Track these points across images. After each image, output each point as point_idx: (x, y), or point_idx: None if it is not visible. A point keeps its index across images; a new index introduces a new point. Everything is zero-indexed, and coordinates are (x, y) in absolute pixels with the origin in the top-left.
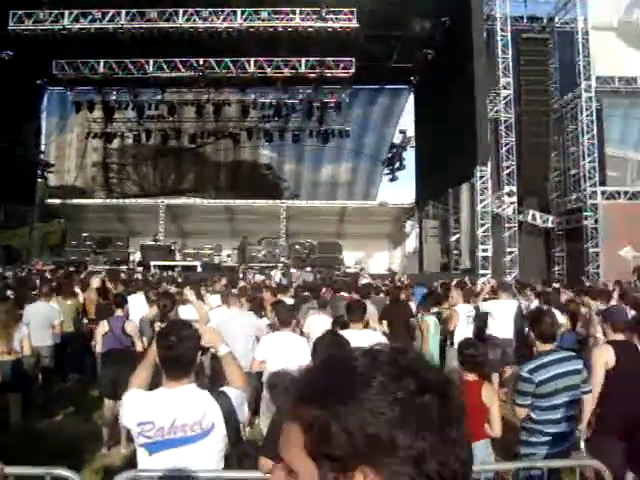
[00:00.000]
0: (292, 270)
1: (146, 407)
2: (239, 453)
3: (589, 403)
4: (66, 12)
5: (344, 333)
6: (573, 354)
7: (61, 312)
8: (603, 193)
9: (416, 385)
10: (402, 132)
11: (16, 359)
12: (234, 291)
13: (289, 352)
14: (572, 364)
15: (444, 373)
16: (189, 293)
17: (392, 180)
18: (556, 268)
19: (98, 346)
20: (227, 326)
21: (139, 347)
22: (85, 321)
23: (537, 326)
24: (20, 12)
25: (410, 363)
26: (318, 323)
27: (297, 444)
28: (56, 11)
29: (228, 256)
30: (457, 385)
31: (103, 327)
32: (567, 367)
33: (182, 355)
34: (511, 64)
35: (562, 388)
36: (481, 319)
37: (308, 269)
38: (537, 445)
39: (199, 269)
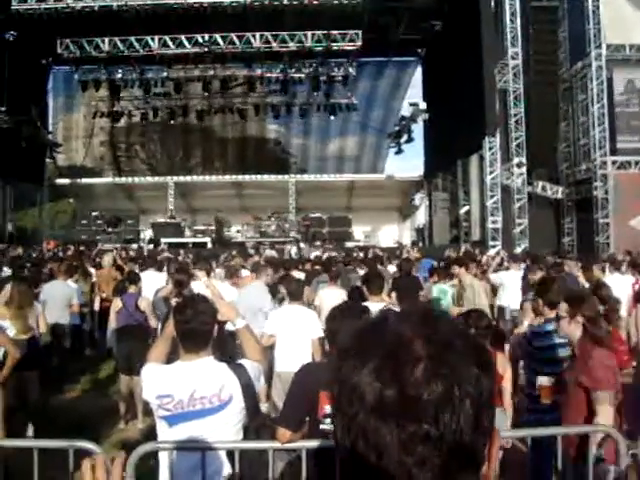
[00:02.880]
0: (302, 244)
1: (165, 380)
2: (257, 424)
3: None
4: None
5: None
6: None
7: (79, 291)
8: (613, 163)
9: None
10: (413, 104)
11: (32, 337)
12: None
13: (299, 326)
14: None
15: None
16: (200, 274)
17: (398, 153)
18: (566, 239)
19: (112, 322)
20: (244, 300)
21: (153, 323)
22: (98, 299)
23: (545, 293)
24: None
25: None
26: (329, 296)
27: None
28: None
29: (238, 232)
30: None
31: (116, 304)
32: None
33: (198, 328)
34: (520, 33)
35: (565, 357)
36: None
37: (318, 243)
38: (536, 412)
39: (209, 245)
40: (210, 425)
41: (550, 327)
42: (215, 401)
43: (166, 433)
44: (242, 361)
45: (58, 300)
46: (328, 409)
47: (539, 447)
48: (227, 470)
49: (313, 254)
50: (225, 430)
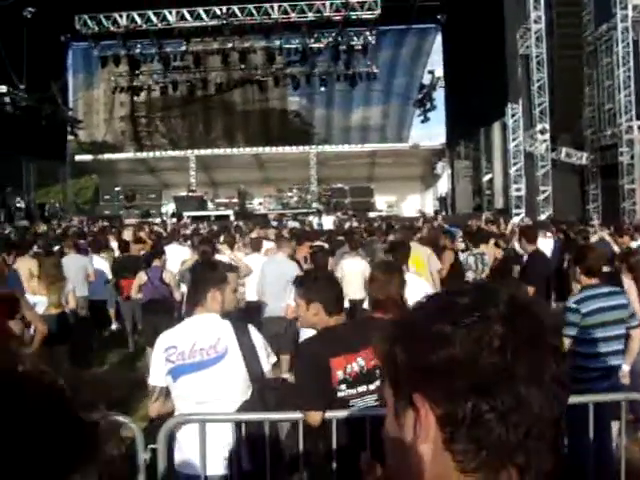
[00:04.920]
0: (324, 215)
1: (172, 334)
2: (261, 386)
3: (637, 338)
4: None
5: None
6: (619, 289)
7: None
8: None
9: (479, 315)
10: (430, 72)
11: (62, 312)
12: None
13: None
14: (618, 298)
15: (516, 304)
16: (223, 248)
17: (424, 121)
18: (591, 205)
19: (134, 294)
20: (267, 269)
21: (177, 296)
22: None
23: (583, 261)
24: None
25: (475, 297)
26: (352, 266)
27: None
28: None
29: (260, 204)
30: (533, 316)
31: (141, 278)
32: (613, 301)
33: (199, 280)
34: None
35: (608, 321)
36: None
37: (339, 213)
38: (582, 382)
39: (232, 218)
40: (210, 378)
41: (592, 292)
42: (212, 352)
43: (173, 389)
44: (250, 326)
45: (73, 272)
46: (341, 375)
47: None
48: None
49: (326, 219)
50: (225, 385)
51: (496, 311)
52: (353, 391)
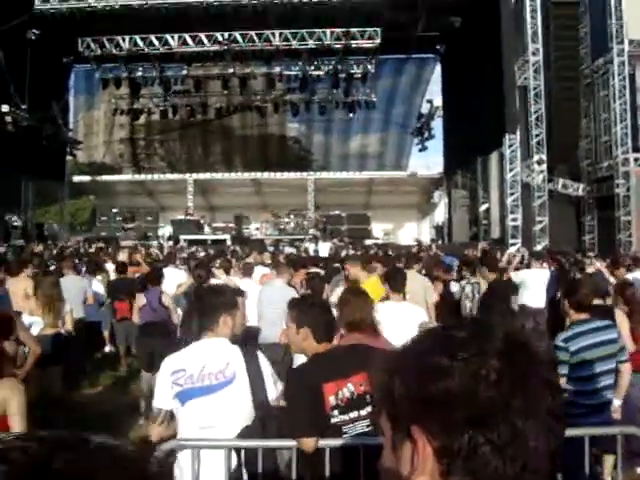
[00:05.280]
0: (320, 242)
1: (181, 357)
2: (263, 414)
3: (626, 373)
4: None
5: (383, 305)
6: (608, 323)
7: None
8: (636, 160)
9: (477, 350)
10: (429, 102)
11: (57, 333)
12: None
13: None
14: (608, 333)
15: (512, 339)
16: (218, 272)
17: (422, 150)
18: (587, 237)
19: (135, 318)
20: (265, 295)
21: (175, 319)
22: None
23: (573, 295)
24: None
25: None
26: None
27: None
28: None
29: (257, 229)
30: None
31: (140, 300)
32: (603, 336)
33: (206, 307)
34: (540, 29)
35: (598, 358)
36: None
37: (335, 240)
38: (573, 416)
39: (228, 242)
40: (217, 403)
41: (581, 328)
42: (220, 377)
43: (179, 413)
44: (259, 353)
45: (72, 294)
46: (333, 400)
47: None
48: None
49: (323, 246)
50: (232, 410)
51: (493, 346)
52: (345, 417)
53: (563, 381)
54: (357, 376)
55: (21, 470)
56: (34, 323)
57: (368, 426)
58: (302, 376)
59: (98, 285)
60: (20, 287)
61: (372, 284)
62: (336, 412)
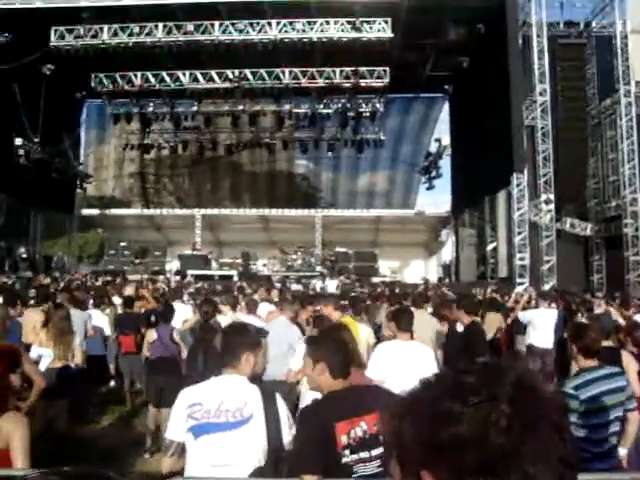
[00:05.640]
0: (328, 279)
1: (198, 391)
2: (276, 457)
3: (634, 421)
4: (105, 27)
5: (390, 344)
6: (617, 370)
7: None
8: None
9: (487, 395)
10: (437, 140)
11: (66, 365)
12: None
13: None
14: (617, 381)
15: (523, 384)
16: (225, 309)
17: (429, 188)
18: (595, 276)
19: (146, 352)
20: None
21: (184, 355)
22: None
23: (580, 340)
24: (61, 28)
25: (482, 376)
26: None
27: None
28: (96, 26)
29: (264, 265)
30: (540, 396)
31: (151, 335)
32: (613, 384)
33: (230, 344)
34: (547, 70)
35: (607, 406)
36: (520, 329)
37: (342, 278)
38: (584, 462)
39: (235, 278)
40: (231, 440)
41: (591, 375)
42: (238, 415)
43: (191, 447)
44: (277, 395)
45: (77, 327)
46: (345, 440)
47: None
48: None
49: (330, 283)
50: (246, 450)
51: (503, 391)
52: (356, 456)
53: (571, 429)
54: (371, 415)
55: None
56: (44, 355)
57: (379, 467)
58: (314, 415)
59: (104, 318)
60: (31, 320)
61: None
62: (347, 452)
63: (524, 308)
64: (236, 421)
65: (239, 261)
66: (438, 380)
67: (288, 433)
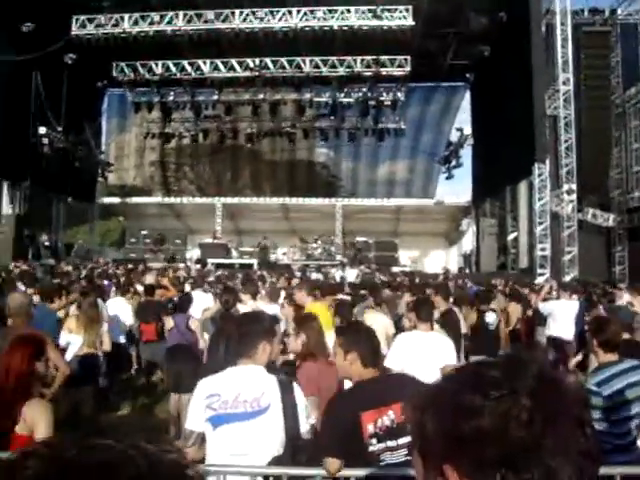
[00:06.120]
0: (348, 268)
1: (216, 381)
2: (294, 447)
3: None
4: (126, 16)
5: (410, 335)
6: (637, 363)
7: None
8: None
9: (508, 389)
10: (459, 130)
11: (93, 353)
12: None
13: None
14: (638, 374)
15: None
16: (245, 297)
17: (448, 178)
18: (617, 268)
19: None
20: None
21: (201, 344)
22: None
23: (601, 334)
24: (82, 17)
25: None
26: (374, 321)
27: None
28: (116, 15)
29: (284, 254)
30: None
31: (169, 323)
32: (633, 377)
33: (245, 333)
34: (571, 59)
35: (629, 400)
36: (541, 320)
37: (363, 267)
38: (604, 454)
39: (255, 267)
40: (249, 430)
41: (612, 370)
42: (255, 405)
43: (210, 437)
44: (295, 385)
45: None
46: (372, 428)
47: None
48: None
49: (350, 272)
50: (264, 439)
51: (524, 384)
52: (383, 445)
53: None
54: (399, 404)
55: (46, 463)
56: (72, 342)
57: (406, 455)
58: (340, 404)
59: (128, 307)
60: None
61: (317, 311)
62: (374, 440)
63: (545, 299)
64: (254, 411)
65: (259, 250)
66: (460, 373)
67: (305, 422)
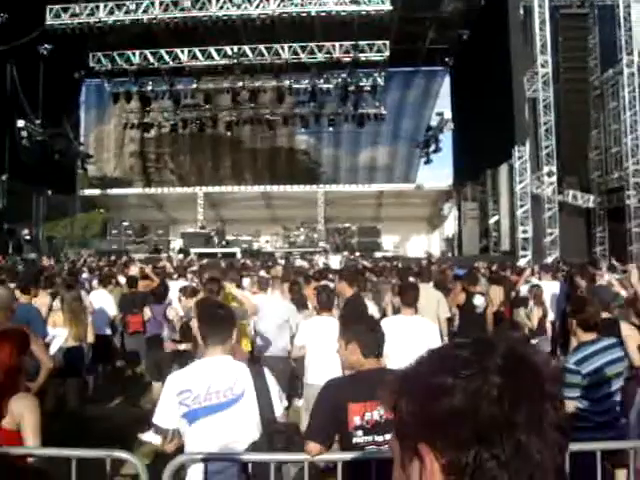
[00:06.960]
0: (331, 255)
1: (185, 377)
2: (270, 430)
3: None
4: (101, 4)
5: (394, 319)
6: (615, 341)
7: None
8: None
9: (478, 367)
10: (439, 114)
11: (79, 346)
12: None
13: (329, 337)
14: (616, 352)
15: (513, 354)
16: (230, 286)
17: (427, 163)
18: (598, 249)
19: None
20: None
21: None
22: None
23: (579, 314)
24: (57, 7)
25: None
26: None
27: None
28: (91, 4)
29: (267, 242)
30: (530, 365)
31: (146, 313)
32: (612, 355)
33: (207, 327)
34: (549, 41)
35: (608, 377)
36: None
37: (346, 253)
38: (585, 430)
39: (238, 255)
40: (226, 420)
41: (591, 349)
42: (229, 394)
43: (187, 433)
44: (265, 370)
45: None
46: (357, 421)
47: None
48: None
49: (333, 258)
50: (241, 427)
51: (493, 362)
52: (369, 438)
53: (573, 405)
54: None
55: None
56: (57, 335)
57: None
58: (329, 393)
59: (109, 298)
60: (42, 303)
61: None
62: (360, 433)
63: (526, 281)
64: (228, 400)
65: (242, 238)
66: (432, 355)
67: (280, 406)
